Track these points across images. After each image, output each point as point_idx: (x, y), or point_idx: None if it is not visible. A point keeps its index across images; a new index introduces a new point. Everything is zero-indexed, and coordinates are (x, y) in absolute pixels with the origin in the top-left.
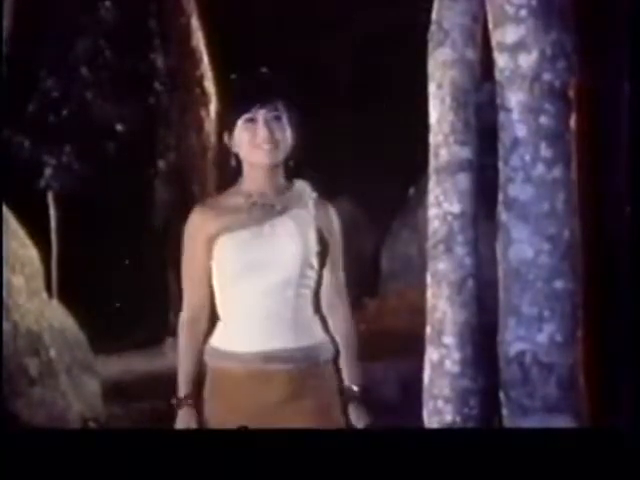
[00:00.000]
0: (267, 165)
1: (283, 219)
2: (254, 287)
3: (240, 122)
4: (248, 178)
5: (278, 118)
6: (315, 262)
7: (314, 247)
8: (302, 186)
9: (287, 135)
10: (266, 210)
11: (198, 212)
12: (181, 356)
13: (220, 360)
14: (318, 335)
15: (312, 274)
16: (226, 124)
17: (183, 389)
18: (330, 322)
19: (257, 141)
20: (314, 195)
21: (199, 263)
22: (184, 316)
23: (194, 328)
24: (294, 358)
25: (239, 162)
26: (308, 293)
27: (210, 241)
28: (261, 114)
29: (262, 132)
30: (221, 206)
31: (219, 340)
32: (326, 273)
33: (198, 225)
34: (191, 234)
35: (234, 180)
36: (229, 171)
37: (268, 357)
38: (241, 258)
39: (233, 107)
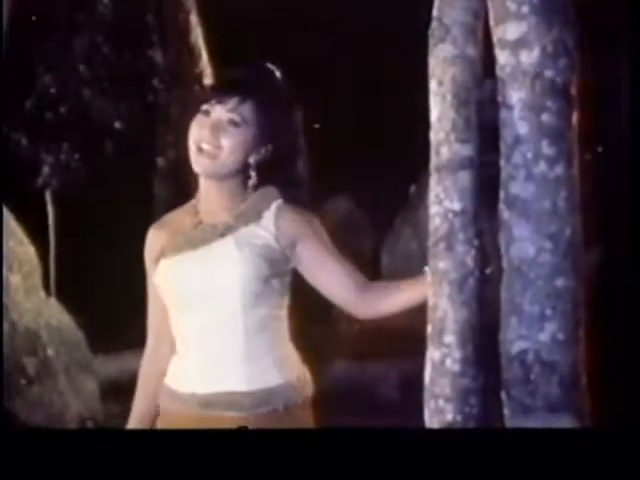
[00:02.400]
0: (203, 173)
1: (224, 241)
2: (194, 319)
3: (199, 113)
4: (201, 191)
5: (234, 122)
6: (276, 285)
7: (265, 270)
8: (262, 195)
9: (238, 145)
10: (207, 231)
11: (151, 230)
12: (137, 387)
13: (165, 398)
14: (283, 375)
15: (275, 300)
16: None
17: (130, 424)
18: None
19: (197, 140)
20: (278, 202)
21: (149, 287)
22: (147, 343)
23: (154, 357)
24: (240, 404)
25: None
26: (272, 325)
27: (156, 264)
28: (216, 110)
29: (205, 130)
30: (171, 225)
31: (169, 376)
32: (321, 278)
33: (148, 245)
34: (145, 254)
35: (194, 192)
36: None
37: (206, 402)
38: (177, 286)
39: (199, 95)
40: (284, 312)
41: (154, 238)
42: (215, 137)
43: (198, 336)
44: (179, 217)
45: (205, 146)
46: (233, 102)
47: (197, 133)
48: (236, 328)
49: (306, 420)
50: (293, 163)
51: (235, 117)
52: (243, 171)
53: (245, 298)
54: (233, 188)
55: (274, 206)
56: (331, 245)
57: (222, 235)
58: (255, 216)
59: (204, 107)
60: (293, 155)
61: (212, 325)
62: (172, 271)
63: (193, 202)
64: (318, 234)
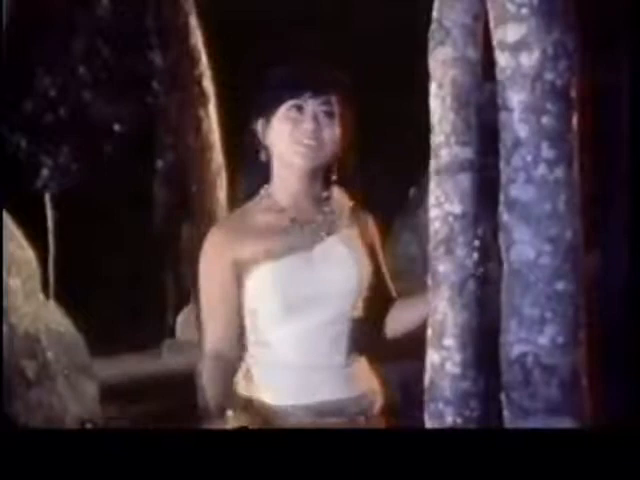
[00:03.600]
0: (305, 168)
1: (332, 242)
2: (301, 326)
3: (283, 109)
4: (279, 186)
5: (330, 114)
6: (366, 289)
7: (369, 272)
8: (341, 193)
9: (335, 137)
10: (311, 230)
11: (220, 233)
12: (209, 388)
13: (259, 414)
14: (371, 380)
15: (361, 304)
16: (262, 111)
17: (216, 401)
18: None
19: (299, 135)
20: (350, 204)
21: (225, 292)
22: (207, 350)
23: (221, 361)
24: (347, 411)
25: (268, 162)
26: (358, 328)
27: (240, 268)
28: (311, 104)
29: (308, 125)
30: (249, 225)
31: (252, 388)
32: (381, 289)
33: (222, 248)
34: (212, 259)
35: (257, 187)
36: (252, 173)
37: (318, 411)
38: (288, 291)
39: (276, 91)
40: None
41: (230, 241)
42: (317, 130)
43: (300, 343)
44: (253, 216)
45: (307, 140)
46: (327, 95)
47: (294, 128)
48: (340, 332)
49: (386, 423)
50: (352, 163)
51: (330, 109)
52: (329, 165)
53: (356, 300)
54: (319, 183)
55: (351, 206)
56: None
57: (328, 235)
58: (348, 216)
59: (293, 102)
60: (352, 155)
61: (318, 330)
62: (279, 274)
63: (262, 199)
64: (379, 240)
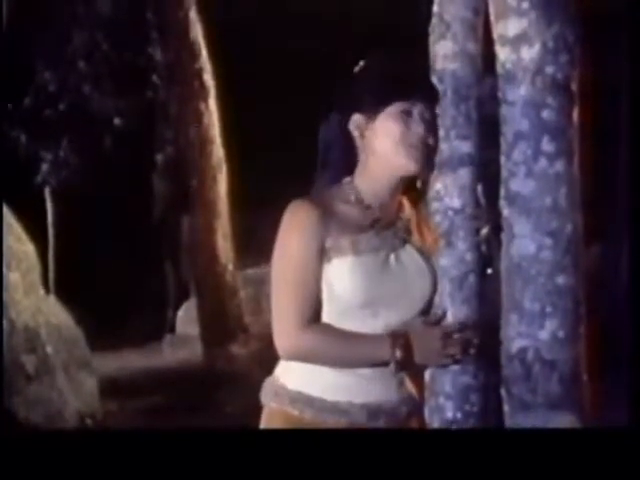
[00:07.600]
0: (412, 172)
1: (410, 249)
2: (369, 324)
3: (393, 108)
4: (368, 182)
5: (431, 122)
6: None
7: (434, 285)
8: (408, 204)
9: (436, 144)
10: (392, 233)
11: (316, 211)
12: (347, 350)
13: (312, 410)
14: (411, 384)
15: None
16: (362, 106)
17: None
18: None
19: (411, 138)
20: (416, 215)
21: (313, 268)
22: (295, 324)
23: (321, 324)
24: (398, 412)
25: (354, 155)
26: None
27: (323, 254)
28: (418, 109)
29: (419, 129)
30: (334, 213)
31: (306, 383)
32: None
33: (316, 228)
34: (307, 233)
35: (335, 180)
36: (330, 165)
37: (373, 411)
38: (366, 288)
39: (383, 89)
40: None
41: (324, 224)
42: (426, 135)
43: None
44: (339, 206)
45: (418, 144)
46: (430, 102)
47: (406, 130)
48: None
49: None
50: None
51: (431, 117)
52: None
53: (420, 310)
54: (401, 188)
55: (417, 217)
56: None
57: (405, 242)
58: (416, 226)
59: (403, 105)
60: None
61: (383, 332)
62: (361, 270)
63: (352, 194)
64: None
